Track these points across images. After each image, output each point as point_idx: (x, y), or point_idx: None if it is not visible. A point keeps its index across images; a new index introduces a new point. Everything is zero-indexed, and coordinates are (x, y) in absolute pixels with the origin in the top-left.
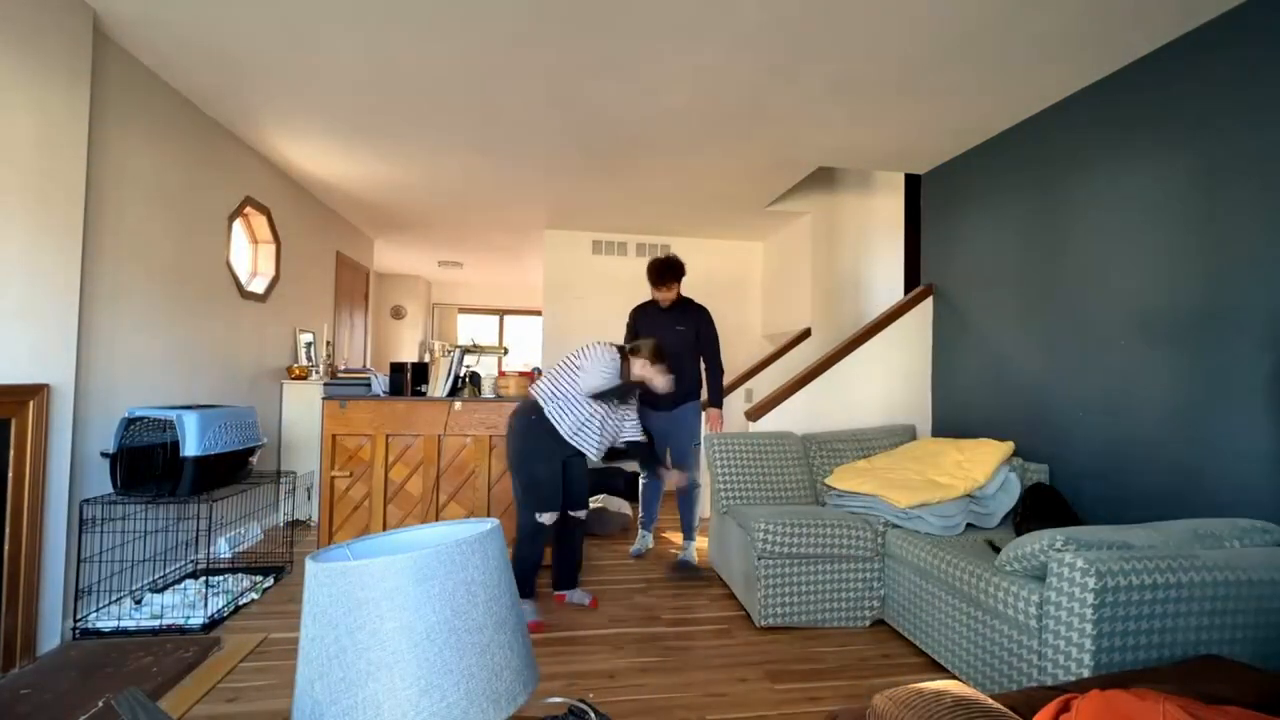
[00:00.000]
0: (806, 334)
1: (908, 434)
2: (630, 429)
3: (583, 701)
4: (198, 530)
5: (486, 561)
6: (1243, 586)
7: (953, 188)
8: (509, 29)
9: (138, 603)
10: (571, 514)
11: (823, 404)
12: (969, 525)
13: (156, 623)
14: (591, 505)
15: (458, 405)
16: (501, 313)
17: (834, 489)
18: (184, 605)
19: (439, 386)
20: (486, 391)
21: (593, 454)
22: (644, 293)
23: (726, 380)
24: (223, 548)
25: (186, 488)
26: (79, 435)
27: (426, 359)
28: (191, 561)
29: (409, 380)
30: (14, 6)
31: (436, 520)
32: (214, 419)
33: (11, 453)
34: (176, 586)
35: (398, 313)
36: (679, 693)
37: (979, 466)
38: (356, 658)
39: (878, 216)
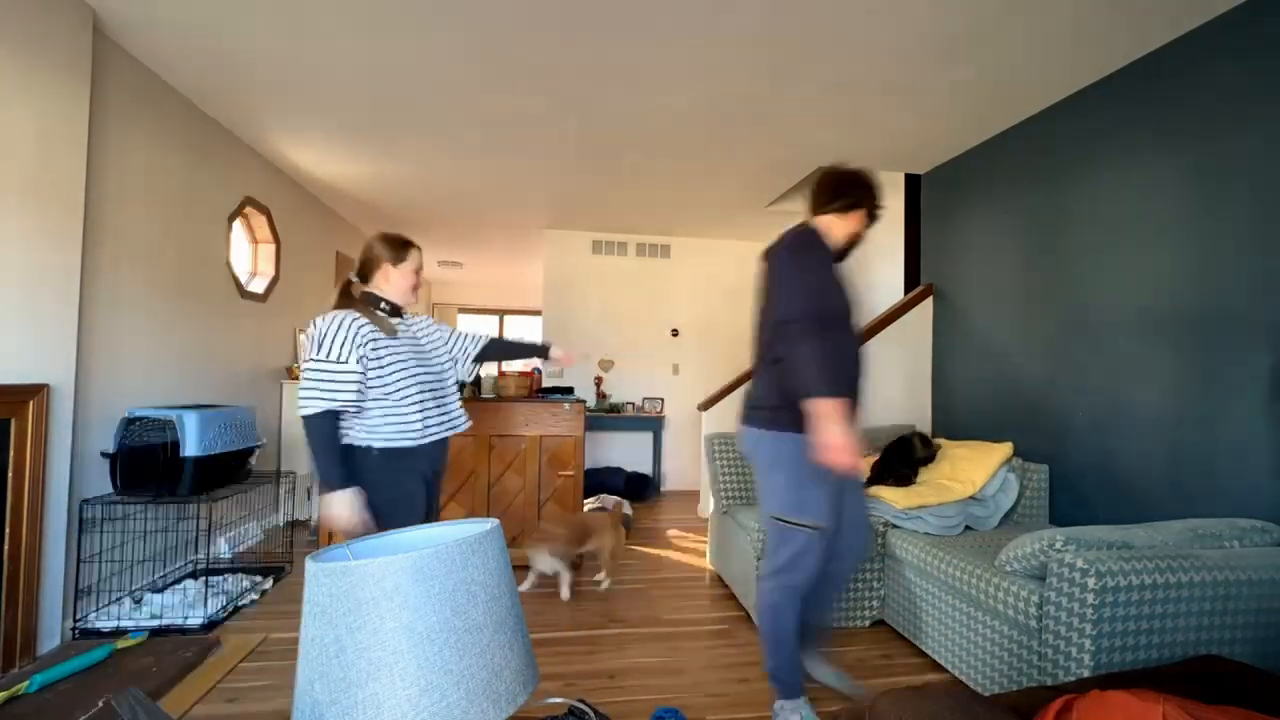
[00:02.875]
0: None
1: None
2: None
3: (582, 701)
4: (197, 530)
5: (486, 561)
6: (1243, 586)
7: (953, 188)
8: (509, 29)
9: (137, 603)
10: None
11: None
12: (967, 526)
13: (156, 623)
14: (589, 506)
15: None
16: (501, 312)
17: None
18: (184, 605)
19: None
20: (486, 391)
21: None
22: (642, 291)
23: (727, 380)
24: (223, 548)
25: (186, 488)
26: (79, 435)
27: None
28: (191, 561)
29: None
30: (14, 6)
31: (437, 520)
32: (213, 419)
33: (11, 453)
34: (176, 586)
35: None
36: (679, 693)
37: (978, 468)
38: (357, 657)
39: None
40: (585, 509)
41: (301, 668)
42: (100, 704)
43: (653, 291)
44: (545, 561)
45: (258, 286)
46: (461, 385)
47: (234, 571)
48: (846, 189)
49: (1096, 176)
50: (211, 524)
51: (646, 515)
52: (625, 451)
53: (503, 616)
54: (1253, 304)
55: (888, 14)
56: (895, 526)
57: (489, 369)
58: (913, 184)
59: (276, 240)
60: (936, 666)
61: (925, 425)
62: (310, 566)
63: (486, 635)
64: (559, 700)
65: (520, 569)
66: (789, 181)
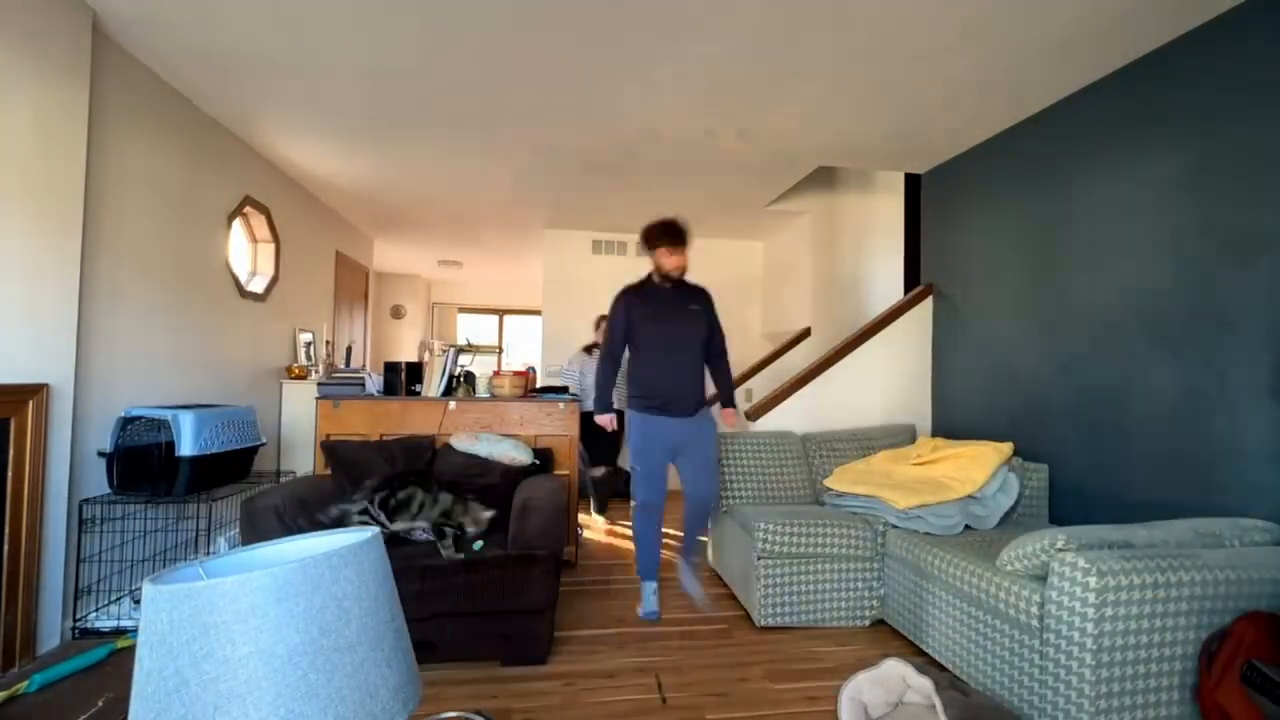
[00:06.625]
0: (806, 334)
1: (908, 434)
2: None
3: (479, 713)
4: (197, 530)
5: (362, 574)
6: (1244, 585)
7: (953, 188)
8: (509, 28)
9: (137, 603)
10: None
11: (823, 404)
12: (966, 526)
13: None
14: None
15: (452, 405)
16: (501, 312)
17: (832, 490)
18: None
19: (433, 386)
20: (481, 391)
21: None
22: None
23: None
24: (222, 548)
25: (182, 488)
26: (78, 435)
27: (426, 358)
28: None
29: (404, 380)
30: (14, 6)
31: None
32: (210, 419)
33: (11, 452)
34: None
35: (397, 312)
36: (679, 692)
37: (978, 468)
38: (202, 690)
39: (878, 216)
40: None
41: (135, 707)
42: (100, 704)
43: None
44: None
45: (257, 286)
46: (453, 388)
47: None
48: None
49: (1096, 176)
50: (211, 524)
51: None
52: (625, 451)
53: (380, 632)
54: (1253, 303)
55: (887, 14)
56: (895, 526)
57: (485, 368)
58: (913, 184)
59: (276, 240)
60: (937, 666)
61: (925, 425)
62: (148, 590)
63: (360, 653)
64: (453, 715)
65: None
66: (789, 181)
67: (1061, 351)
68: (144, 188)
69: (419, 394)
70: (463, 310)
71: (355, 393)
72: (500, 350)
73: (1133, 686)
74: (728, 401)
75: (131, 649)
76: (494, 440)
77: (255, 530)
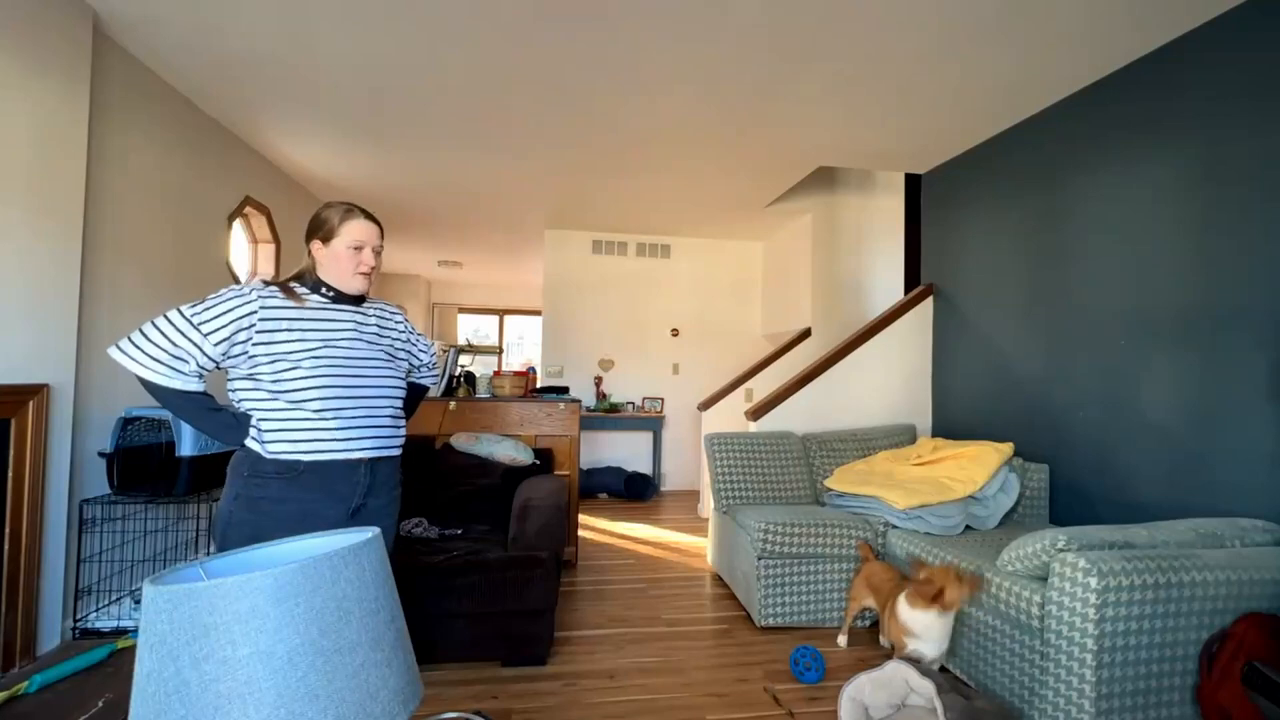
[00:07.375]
0: (806, 334)
1: (908, 434)
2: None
3: (478, 714)
4: (197, 530)
5: (362, 574)
6: (1244, 586)
7: (953, 188)
8: (509, 28)
9: (137, 603)
10: None
11: (823, 404)
12: (967, 526)
13: None
14: None
15: (453, 405)
16: (501, 312)
17: (833, 490)
18: None
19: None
20: (481, 391)
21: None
22: (642, 291)
23: (727, 380)
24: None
25: (182, 488)
26: (79, 435)
27: None
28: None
29: None
30: (14, 6)
31: None
32: None
33: (11, 453)
34: None
35: None
36: (679, 693)
37: (979, 468)
38: (202, 691)
39: (878, 216)
40: None
41: (136, 707)
42: (100, 704)
43: (653, 291)
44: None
45: None
46: (453, 388)
47: None
48: None
49: (1097, 176)
50: (211, 524)
51: (646, 515)
52: (625, 451)
53: (380, 633)
54: (1252, 303)
55: (888, 14)
56: (895, 527)
57: (485, 368)
58: (913, 184)
59: (276, 240)
60: (938, 667)
61: (925, 425)
62: (148, 591)
63: (361, 654)
64: (453, 715)
65: None
66: (789, 181)
67: (1062, 351)
68: (144, 188)
69: None
70: (463, 310)
71: None
72: (500, 350)
73: (1133, 687)
74: None
75: (132, 649)
76: (494, 440)
77: None
